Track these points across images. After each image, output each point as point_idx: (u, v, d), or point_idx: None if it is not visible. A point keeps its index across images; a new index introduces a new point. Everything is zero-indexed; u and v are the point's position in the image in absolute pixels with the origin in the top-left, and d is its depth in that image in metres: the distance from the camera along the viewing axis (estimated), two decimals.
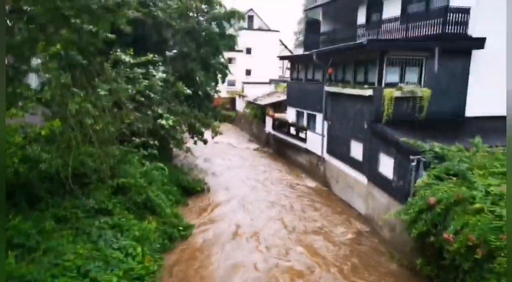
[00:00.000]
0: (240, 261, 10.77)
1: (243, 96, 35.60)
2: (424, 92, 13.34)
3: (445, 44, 13.02)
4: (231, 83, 45.11)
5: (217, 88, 22.41)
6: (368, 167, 13.67)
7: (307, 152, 20.30)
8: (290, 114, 23.23)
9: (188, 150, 16.59)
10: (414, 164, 10.28)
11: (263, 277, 9.96)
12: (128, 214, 10.34)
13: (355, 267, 10.60)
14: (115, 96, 8.92)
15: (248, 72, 47.53)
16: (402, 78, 13.62)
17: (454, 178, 9.20)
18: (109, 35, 8.27)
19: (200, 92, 19.44)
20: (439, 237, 8.34)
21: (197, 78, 18.17)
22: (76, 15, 6.85)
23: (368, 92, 13.48)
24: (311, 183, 18.86)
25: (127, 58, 8.08)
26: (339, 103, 16.44)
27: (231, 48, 22.95)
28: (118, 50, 8.32)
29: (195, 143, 18.90)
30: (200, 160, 23.42)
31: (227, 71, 22.88)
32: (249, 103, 31.05)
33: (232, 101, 42.81)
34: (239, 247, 11.70)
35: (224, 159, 23.91)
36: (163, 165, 14.83)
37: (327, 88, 17.23)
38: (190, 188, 15.91)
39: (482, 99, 14.07)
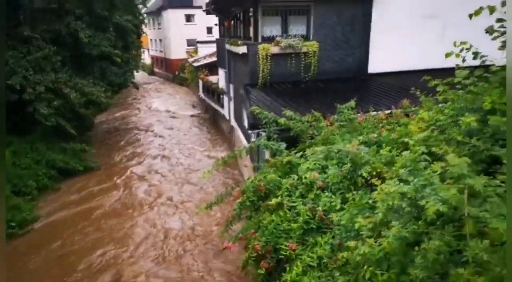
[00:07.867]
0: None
1: (193, 57, 32.87)
2: (311, 46, 11.03)
3: None
4: (191, 43, 42.10)
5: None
6: (248, 138, 11.68)
7: (225, 118, 18.23)
8: (220, 76, 20.80)
9: (68, 126, 14.49)
10: (253, 139, 8.29)
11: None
12: None
13: None
14: None
15: (209, 31, 44.18)
16: (285, 30, 11.25)
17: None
18: None
19: (95, 54, 17.07)
20: None
21: (84, 40, 15.76)
22: None
23: (242, 49, 11.20)
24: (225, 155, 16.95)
25: None
26: (235, 63, 14.15)
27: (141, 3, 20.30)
28: None
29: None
30: (123, 132, 21.49)
31: (141, 31, 20.40)
32: (189, 65, 28.55)
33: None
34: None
35: (152, 130, 21.78)
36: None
37: (226, 45, 14.86)
38: (69, 169, 14.01)
39: (388, 53, 11.80)
